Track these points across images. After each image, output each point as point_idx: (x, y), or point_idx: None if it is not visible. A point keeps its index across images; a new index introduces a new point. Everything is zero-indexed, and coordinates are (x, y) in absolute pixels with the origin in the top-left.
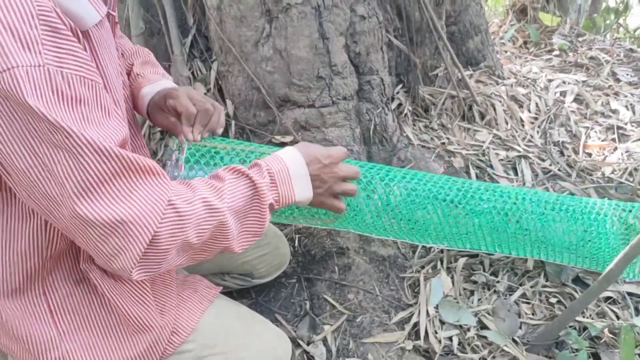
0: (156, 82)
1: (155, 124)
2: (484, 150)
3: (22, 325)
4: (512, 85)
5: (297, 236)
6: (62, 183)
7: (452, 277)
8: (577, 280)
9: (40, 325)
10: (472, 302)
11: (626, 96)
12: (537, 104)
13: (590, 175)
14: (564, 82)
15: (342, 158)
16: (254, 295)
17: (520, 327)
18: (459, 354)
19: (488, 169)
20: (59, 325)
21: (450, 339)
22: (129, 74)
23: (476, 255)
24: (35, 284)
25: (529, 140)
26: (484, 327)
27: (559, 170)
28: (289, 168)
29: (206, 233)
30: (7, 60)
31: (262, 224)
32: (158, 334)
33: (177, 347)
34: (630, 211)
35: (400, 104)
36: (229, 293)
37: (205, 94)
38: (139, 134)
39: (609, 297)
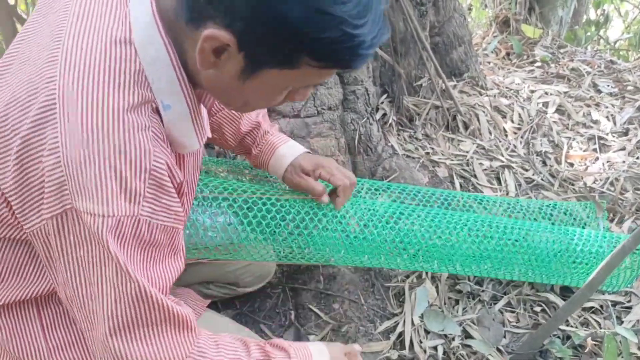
0: (287, 142)
1: (286, 182)
2: (467, 160)
3: (13, 339)
4: (495, 96)
5: None
6: (106, 315)
7: (437, 287)
8: (561, 288)
9: (31, 340)
10: (457, 312)
11: (607, 107)
12: (520, 114)
13: (573, 185)
14: (546, 93)
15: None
16: (239, 305)
17: (504, 336)
18: None
19: (472, 179)
20: (49, 341)
21: (435, 348)
22: (255, 128)
23: None
24: (29, 302)
25: (512, 150)
26: (468, 336)
27: (541, 180)
28: (312, 354)
29: None
30: (106, 208)
31: None
32: None
33: None
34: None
35: (384, 114)
36: (214, 304)
37: None
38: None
39: (591, 307)
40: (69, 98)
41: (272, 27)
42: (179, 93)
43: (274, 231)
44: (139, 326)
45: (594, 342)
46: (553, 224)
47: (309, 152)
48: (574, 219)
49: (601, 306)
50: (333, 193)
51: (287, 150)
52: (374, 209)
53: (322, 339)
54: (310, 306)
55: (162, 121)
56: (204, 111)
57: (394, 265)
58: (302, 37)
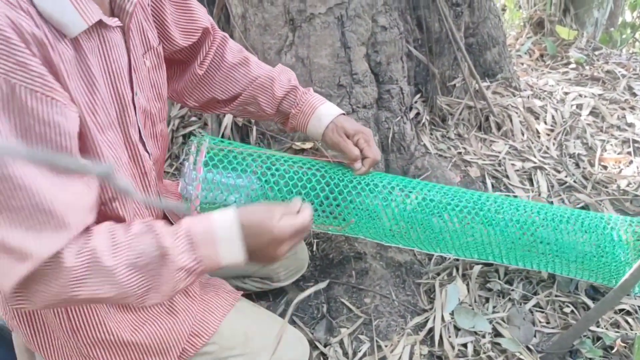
0: (325, 103)
1: (325, 139)
2: (500, 161)
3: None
4: (528, 97)
5: (315, 240)
6: None
7: (468, 284)
8: (591, 289)
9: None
10: (487, 310)
11: None
12: (553, 116)
13: (606, 187)
14: (580, 95)
15: (289, 211)
16: (272, 298)
17: (534, 336)
18: None
19: (504, 179)
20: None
21: (465, 345)
22: (291, 90)
23: (491, 264)
24: None
25: (545, 152)
26: (498, 334)
27: (574, 182)
28: (215, 230)
29: (90, 289)
30: None
31: (173, 286)
32: (177, 331)
33: (199, 348)
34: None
35: (418, 113)
36: (249, 295)
37: None
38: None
39: (622, 309)
40: None
41: None
42: None
43: (322, 202)
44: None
45: (624, 344)
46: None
47: (345, 114)
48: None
49: (634, 309)
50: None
51: (327, 110)
52: (404, 184)
53: (353, 333)
54: (342, 300)
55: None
56: None
57: (429, 248)
58: None
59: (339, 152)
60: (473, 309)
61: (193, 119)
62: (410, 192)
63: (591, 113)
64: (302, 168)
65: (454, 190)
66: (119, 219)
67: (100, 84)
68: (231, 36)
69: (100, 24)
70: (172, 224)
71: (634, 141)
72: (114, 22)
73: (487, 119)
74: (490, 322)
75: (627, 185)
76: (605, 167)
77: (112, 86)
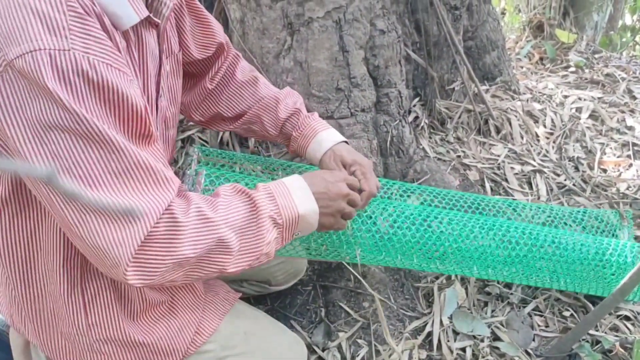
0: (328, 129)
1: (322, 166)
2: (499, 164)
3: (57, 312)
4: (527, 101)
5: None
6: (69, 169)
7: (466, 288)
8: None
9: (74, 314)
10: (486, 313)
11: None
12: (552, 119)
13: (605, 190)
14: (579, 99)
15: (344, 178)
16: (270, 302)
17: (533, 340)
18: None
19: (503, 183)
20: (89, 317)
21: (463, 349)
22: (295, 113)
23: None
24: (75, 276)
25: (544, 155)
26: (497, 338)
27: (573, 185)
28: (286, 182)
29: (200, 245)
30: (32, 43)
31: (261, 239)
32: (182, 331)
33: (199, 347)
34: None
35: (417, 117)
36: (246, 299)
37: None
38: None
39: (621, 314)
40: None
41: None
42: None
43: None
44: (108, 174)
45: (623, 348)
46: (584, 227)
47: (347, 143)
48: (605, 224)
49: (633, 315)
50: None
51: (328, 136)
52: (402, 210)
53: (352, 336)
54: (341, 304)
55: None
56: None
57: (422, 268)
58: None
59: None
60: (472, 312)
61: (191, 122)
62: (411, 223)
63: (591, 116)
64: None
65: (452, 214)
66: None
67: (140, 74)
68: (229, 40)
69: (141, 22)
70: None
71: (634, 144)
72: (157, 20)
73: (486, 122)
74: (489, 326)
75: (627, 189)
76: (604, 171)
77: (143, 84)
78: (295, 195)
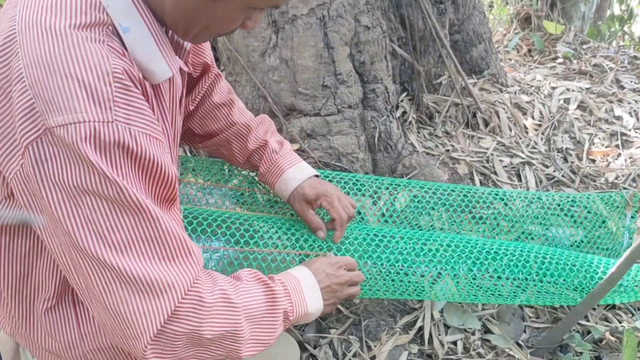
0: (294, 165)
1: (291, 206)
2: (487, 157)
3: (49, 324)
4: (515, 93)
5: None
6: (102, 235)
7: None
8: None
9: (66, 326)
10: (477, 306)
11: (630, 103)
12: (540, 111)
13: (594, 181)
14: (567, 90)
15: (345, 262)
16: None
17: (524, 331)
18: (464, 358)
19: (492, 176)
20: (82, 328)
21: (454, 343)
22: (262, 146)
23: None
24: (66, 298)
25: (533, 147)
26: (488, 331)
27: (562, 176)
28: (298, 278)
29: (218, 329)
30: (76, 115)
31: (273, 332)
32: None
33: None
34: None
35: (404, 112)
36: None
37: None
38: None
39: (611, 305)
40: (26, 28)
41: None
42: (136, 16)
43: (266, 257)
44: (140, 243)
45: (614, 337)
46: (572, 216)
47: (316, 176)
48: (594, 214)
49: (624, 304)
50: (332, 223)
51: (293, 175)
52: (370, 239)
53: (343, 333)
54: None
55: (124, 46)
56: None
57: (396, 296)
58: None
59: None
60: (462, 306)
61: None
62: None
63: (579, 107)
64: (276, 232)
65: (435, 235)
66: None
67: (169, 121)
68: (214, 40)
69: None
70: None
71: (622, 134)
72: (187, 68)
73: (474, 115)
74: (480, 319)
75: (615, 179)
76: (593, 161)
77: (174, 119)
78: (307, 294)
